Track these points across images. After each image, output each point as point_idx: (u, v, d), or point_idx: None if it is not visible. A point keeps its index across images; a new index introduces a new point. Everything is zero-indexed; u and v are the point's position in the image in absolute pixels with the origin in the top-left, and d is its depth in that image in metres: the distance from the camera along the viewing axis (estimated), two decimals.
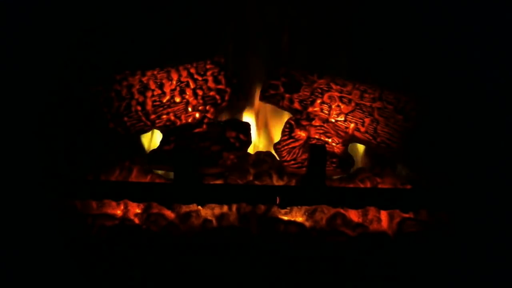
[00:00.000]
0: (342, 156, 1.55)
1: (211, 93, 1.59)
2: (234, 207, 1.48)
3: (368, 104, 1.53)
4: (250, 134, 1.61)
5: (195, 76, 1.59)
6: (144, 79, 1.58)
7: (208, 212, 1.47)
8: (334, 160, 1.53)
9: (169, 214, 1.47)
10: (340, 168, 1.53)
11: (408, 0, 1.68)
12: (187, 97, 1.58)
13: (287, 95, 1.60)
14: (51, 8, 1.64)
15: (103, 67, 1.68)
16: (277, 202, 1.40)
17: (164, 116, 1.58)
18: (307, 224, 1.45)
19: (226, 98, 1.60)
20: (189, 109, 1.58)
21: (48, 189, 1.42)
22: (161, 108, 1.57)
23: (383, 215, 1.47)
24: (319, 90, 1.57)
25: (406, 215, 1.46)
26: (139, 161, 1.62)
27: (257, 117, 1.86)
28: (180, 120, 1.58)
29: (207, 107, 1.59)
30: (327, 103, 1.56)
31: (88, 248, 1.38)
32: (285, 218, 1.46)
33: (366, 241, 1.41)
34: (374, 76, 1.61)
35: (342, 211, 1.46)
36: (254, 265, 1.34)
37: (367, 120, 1.52)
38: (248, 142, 1.59)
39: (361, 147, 1.77)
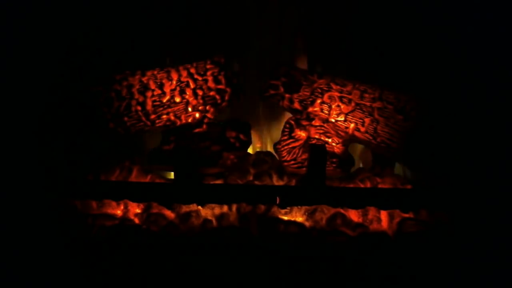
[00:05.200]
0: (342, 156, 1.55)
1: (211, 93, 1.59)
2: (234, 207, 1.48)
3: (368, 104, 1.53)
4: (250, 134, 1.61)
5: (195, 76, 1.59)
6: (144, 79, 1.58)
7: (208, 212, 1.47)
8: (334, 160, 1.53)
9: (169, 214, 1.47)
10: (340, 168, 1.53)
11: (408, 0, 1.67)
12: (187, 97, 1.58)
13: (287, 95, 1.60)
14: (51, 8, 1.63)
15: (103, 67, 1.68)
16: (277, 202, 1.40)
17: (164, 116, 1.58)
18: (307, 224, 1.45)
19: (226, 98, 1.60)
20: (189, 109, 1.58)
21: (48, 189, 1.42)
22: (161, 108, 1.57)
23: (383, 215, 1.47)
24: (319, 90, 1.57)
25: (406, 215, 1.46)
26: (139, 161, 1.62)
27: (257, 117, 1.86)
28: (180, 120, 1.58)
29: (207, 107, 1.59)
30: (327, 103, 1.56)
31: (88, 248, 1.38)
32: (285, 218, 1.46)
33: (366, 241, 1.41)
34: (374, 76, 1.61)
35: (342, 211, 1.46)
36: (254, 265, 1.34)
37: (367, 120, 1.52)
38: (248, 142, 1.59)
39: (361, 147, 1.77)
